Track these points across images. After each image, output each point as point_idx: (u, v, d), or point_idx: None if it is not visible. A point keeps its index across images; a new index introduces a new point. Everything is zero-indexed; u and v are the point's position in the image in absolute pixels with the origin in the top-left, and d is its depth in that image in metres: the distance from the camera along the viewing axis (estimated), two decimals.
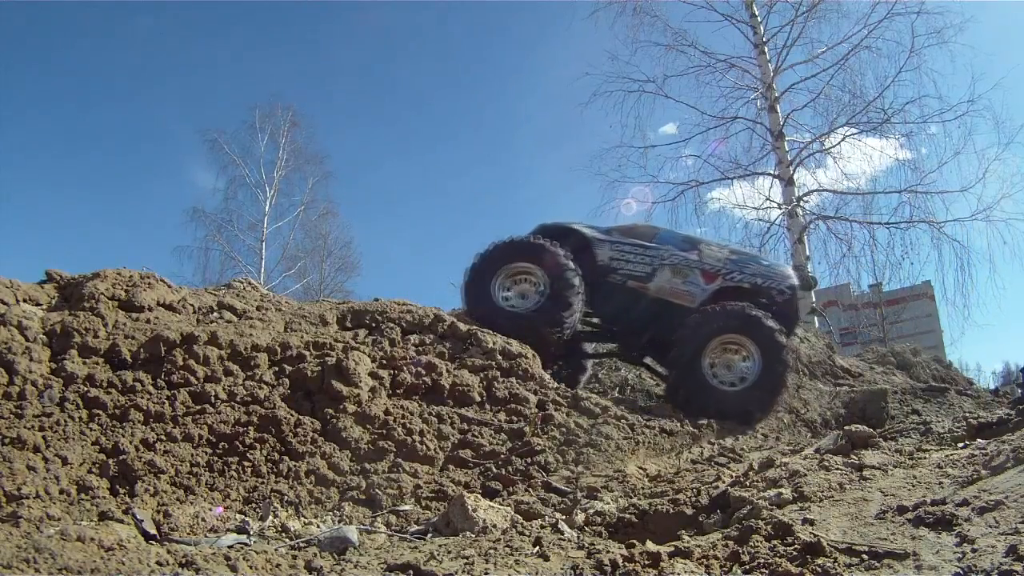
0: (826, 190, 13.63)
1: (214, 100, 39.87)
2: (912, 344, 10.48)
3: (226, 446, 3.39)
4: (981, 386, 9.95)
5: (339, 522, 2.99)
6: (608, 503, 2.97)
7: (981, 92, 12.21)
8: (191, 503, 2.96)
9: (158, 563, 2.03)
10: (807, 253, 12.91)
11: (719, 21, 13.79)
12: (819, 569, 1.69)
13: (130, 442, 3.18)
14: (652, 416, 4.63)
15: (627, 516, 2.65)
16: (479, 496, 2.94)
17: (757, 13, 13.80)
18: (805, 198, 13.42)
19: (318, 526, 2.93)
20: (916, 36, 12.38)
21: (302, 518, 3.04)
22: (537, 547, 2.25)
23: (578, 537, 2.43)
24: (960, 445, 3.03)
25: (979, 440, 3.02)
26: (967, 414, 4.76)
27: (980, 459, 2.51)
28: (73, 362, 3.53)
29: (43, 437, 3.01)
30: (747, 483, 2.79)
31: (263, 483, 3.24)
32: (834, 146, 13.45)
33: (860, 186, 13.45)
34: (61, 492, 2.80)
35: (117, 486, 2.97)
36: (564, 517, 2.77)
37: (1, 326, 3.51)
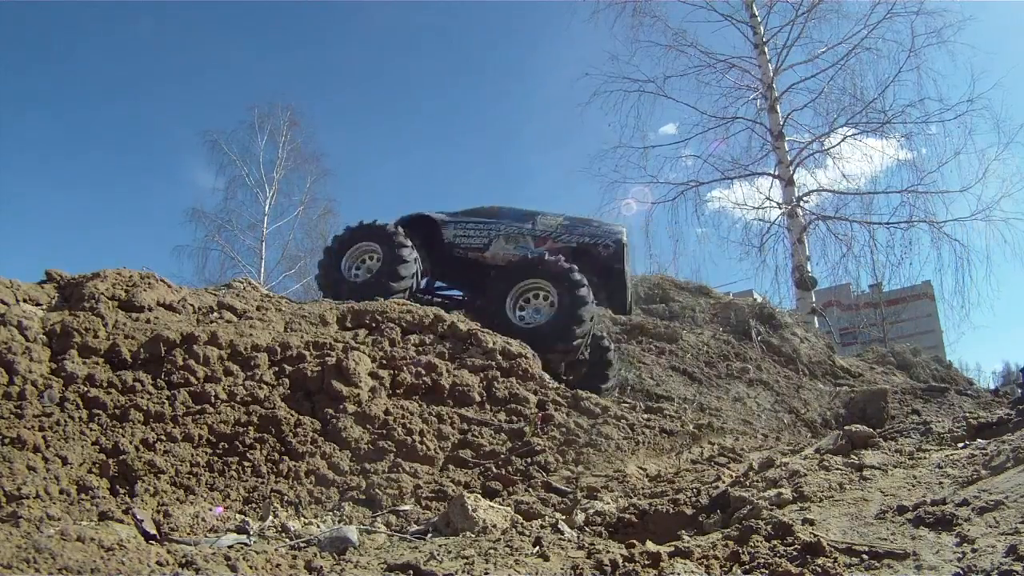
0: (826, 190, 13.65)
1: (214, 100, 39.97)
2: (912, 344, 10.49)
3: (226, 446, 3.39)
4: (981, 386, 9.95)
5: (339, 522, 2.99)
6: (608, 503, 2.97)
7: (981, 92, 12.25)
8: (191, 503, 2.96)
9: (158, 563, 2.02)
10: (807, 253, 12.92)
11: (719, 21, 13.84)
12: (819, 569, 1.69)
13: (130, 442, 3.18)
14: (652, 416, 4.63)
15: (627, 516, 2.65)
16: (479, 496, 2.94)
17: (757, 13, 13.81)
18: (805, 198, 13.43)
19: (318, 526, 2.93)
20: (916, 36, 12.41)
21: (302, 518, 3.04)
22: (537, 547, 2.25)
23: (578, 537, 2.43)
24: (960, 445, 3.03)
25: (979, 440, 3.02)
26: (967, 414, 4.75)
27: (980, 459, 2.51)
28: (73, 362, 3.52)
29: (43, 437, 3.01)
30: (747, 483, 2.79)
31: (263, 483, 3.24)
32: (834, 146, 13.47)
33: (860, 186, 13.47)
34: (61, 492, 2.79)
35: (117, 486, 2.97)
36: (564, 517, 2.77)
37: (1, 326, 3.51)
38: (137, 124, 38.80)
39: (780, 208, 13.37)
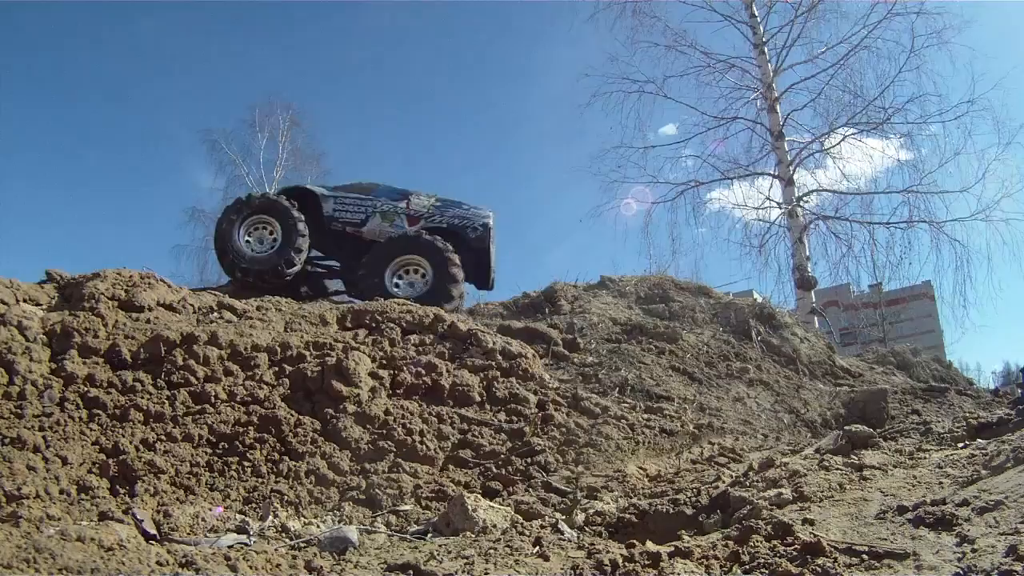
0: (826, 190, 13.61)
1: (214, 100, 39.93)
2: (912, 344, 10.47)
3: (226, 446, 3.39)
4: (981, 386, 9.94)
5: (339, 522, 2.99)
6: (608, 503, 2.97)
7: (981, 92, 12.15)
8: (191, 503, 2.96)
9: (158, 563, 2.02)
10: (807, 253, 12.89)
11: (719, 22, 13.78)
12: (819, 569, 1.69)
13: (130, 442, 3.18)
14: (652, 416, 4.63)
15: (627, 516, 2.65)
16: (479, 496, 2.94)
17: (757, 13, 13.78)
18: (805, 198, 13.41)
19: (318, 526, 2.93)
20: (916, 36, 12.35)
21: (302, 518, 3.04)
22: (537, 547, 2.25)
23: (578, 537, 2.43)
24: (960, 445, 3.03)
25: (979, 440, 3.02)
26: (967, 414, 4.75)
27: (980, 459, 2.51)
28: (73, 362, 3.52)
29: (43, 437, 3.01)
30: (747, 483, 2.79)
31: (263, 483, 3.24)
32: (834, 146, 13.42)
33: (860, 186, 13.44)
34: (61, 492, 2.79)
35: (117, 486, 2.98)
36: (564, 517, 2.77)
37: (1, 326, 3.51)
38: (137, 124, 38.87)
39: (780, 208, 13.36)
